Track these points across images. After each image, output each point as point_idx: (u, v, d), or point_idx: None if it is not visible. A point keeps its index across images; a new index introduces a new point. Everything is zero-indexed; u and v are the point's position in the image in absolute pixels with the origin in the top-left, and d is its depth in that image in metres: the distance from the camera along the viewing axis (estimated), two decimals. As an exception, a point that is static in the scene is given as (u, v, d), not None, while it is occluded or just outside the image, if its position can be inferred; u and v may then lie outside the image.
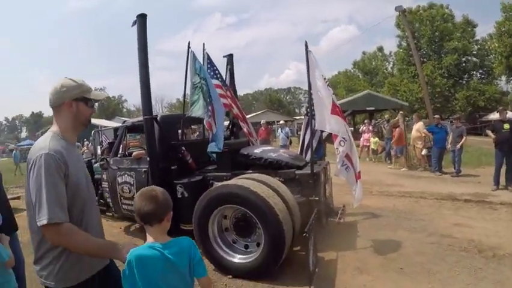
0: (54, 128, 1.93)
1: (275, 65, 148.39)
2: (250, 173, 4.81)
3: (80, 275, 1.87)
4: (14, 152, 24.52)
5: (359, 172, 5.08)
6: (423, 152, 11.66)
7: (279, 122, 18.08)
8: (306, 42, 4.93)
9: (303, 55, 4.91)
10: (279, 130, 14.81)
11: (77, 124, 1.97)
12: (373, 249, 4.77)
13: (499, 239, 4.91)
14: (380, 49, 50.80)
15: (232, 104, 6.25)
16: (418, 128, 11.69)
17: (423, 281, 3.81)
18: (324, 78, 5.03)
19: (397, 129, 12.69)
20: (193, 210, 4.34)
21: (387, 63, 49.74)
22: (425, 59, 35.73)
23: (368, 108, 24.76)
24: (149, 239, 1.74)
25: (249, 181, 4.14)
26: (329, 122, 4.93)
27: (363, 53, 51.96)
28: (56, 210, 1.68)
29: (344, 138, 4.97)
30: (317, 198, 4.56)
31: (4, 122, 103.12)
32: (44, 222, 1.64)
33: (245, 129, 6.47)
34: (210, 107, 5.13)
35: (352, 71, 54.39)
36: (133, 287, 1.66)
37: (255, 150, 5.23)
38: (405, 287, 3.71)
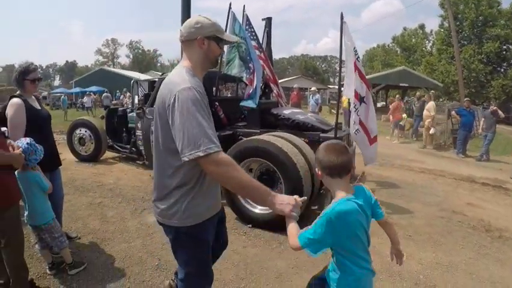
0: (185, 63, 1.93)
1: (313, 32, 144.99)
2: (278, 131, 5.09)
3: (204, 214, 1.92)
4: (62, 97, 25.21)
5: (375, 136, 5.31)
6: (431, 131, 12.05)
7: (311, 88, 18.08)
8: (341, 13, 5.05)
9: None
10: (310, 96, 14.95)
11: (206, 62, 1.96)
12: (386, 216, 5.03)
13: (507, 222, 5.07)
14: (422, 27, 48.73)
15: (265, 66, 6.45)
16: (429, 107, 12.23)
17: (429, 249, 4.05)
18: (355, 51, 5.18)
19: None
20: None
21: (427, 42, 47.97)
22: (465, 42, 34.27)
23: (401, 84, 24.34)
24: (340, 193, 1.72)
25: (276, 138, 4.41)
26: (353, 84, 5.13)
27: (404, 28, 49.97)
28: (213, 140, 1.67)
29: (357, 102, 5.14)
30: None
31: (38, 70, 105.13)
32: (200, 154, 1.62)
33: (275, 91, 6.68)
34: (251, 65, 5.37)
35: (391, 45, 52.70)
36: (334, 239, 1.68)
37: (284, 111, 5.49)
38: (410, 252, 3.91)
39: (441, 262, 3.75)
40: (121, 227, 4.40)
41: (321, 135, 5.03)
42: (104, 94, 26.26)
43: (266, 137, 4.51)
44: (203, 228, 1.94)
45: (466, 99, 12.56)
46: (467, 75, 30.54)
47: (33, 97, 3.46)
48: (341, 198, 1.70)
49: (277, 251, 3.87)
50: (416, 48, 46.46)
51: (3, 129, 2.84)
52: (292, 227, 1.75)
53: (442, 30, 37.13)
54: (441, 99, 29.99)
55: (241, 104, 5.42)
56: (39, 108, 3.47)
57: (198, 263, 2.01)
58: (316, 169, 1.83)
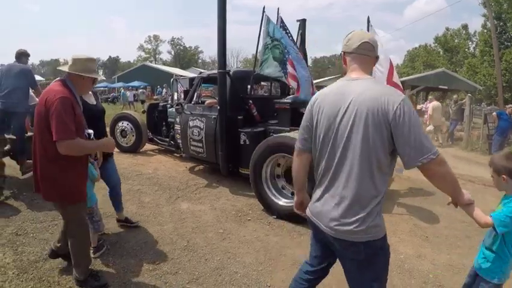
0: (365, 76, 1.92)
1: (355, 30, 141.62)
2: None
3: None
4: (122, 92, 26.36)
5: None
6: (428, 128, 12.63)
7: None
8: (368, 17, 5.27)
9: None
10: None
11: None
12: (407, 216, 5.17)
13: (531, 231, 5.08)
14: (465, 27, 47.03)
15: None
16: (431, 107, 13.07)
17: (444, 251, 4.14)
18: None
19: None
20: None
21: (470, 43, 46.35)
22: (509, 44, 32.81)
23: (440, 87, 23.75)
24: None
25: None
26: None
27: (447, 28, 48.48)
28: (432, 144, 1.77)
29: None
30: None
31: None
32: (433, 156, 1.68)
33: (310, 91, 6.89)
34: (288, 64, 5.60)
35: (433, 46, 51.22)
36: None
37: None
38: (425, 253, 4.02)
39: (454, 264, 3.82)
40: (156, 212, 4.83)
41: None
42: (140, 90, 27.21)
43: (293, 134, 4.77)
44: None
45: (509, 106, 12.20)
46: (509, 78, 29.34)
47: (89, 92, 3.62)
48: None
49: (297, 241, 4.15)
50: (459, 49, 44.97)
51: (90, 131, 3.08)
52: (478, 210, 2.04)
53: (485, 30, 35.64)
54: (483, 103, 28.98)
55: (294, 100, 5.61)
56: (94, 103, 3.69)
57: (386, 273, 1.99)
58: (503, 176, 2.25)
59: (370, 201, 1.79)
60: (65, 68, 2.89)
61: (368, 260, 1.85)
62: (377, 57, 1.98)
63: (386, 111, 1.71)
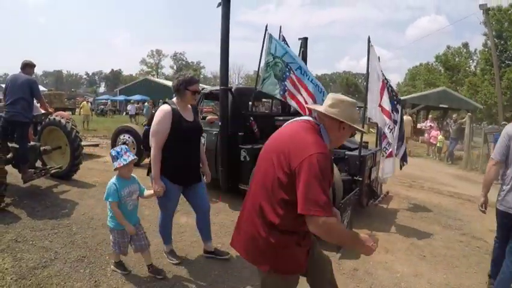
0: None
1: (357, 48, 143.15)
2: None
3: None
4: (145, 104, 26.42)
5: (391, 151, 5.75)
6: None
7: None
8: (369, 37, 5.38)
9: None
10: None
11: None
12: (404, 235, 5.18)
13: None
14: (465, 45, 47.50)
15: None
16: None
17: (440, 270, 4.16)
18: (382, 73, 5.52)
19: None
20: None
21: (471, 61, 46.68)
22: (510, 62, 33.01)
23: (441, 105, 23.92)
24: None
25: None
26: (375, 114, 5.49)
27: (448, 47, 48.77)
28: None
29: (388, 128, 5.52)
30: (360, 179, 5.13)
31: (84, 76, 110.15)
32: None
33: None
34: (285, 82, 5.65)
35: (434, 64, 51.49)
36: None
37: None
38: (421, 272, 4.06)
39: (450, 284, 3.85)
40: (155, 225, 4.81)
41: (346, 152, 5.34)
42: (144, 104, 27.50)
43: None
44: None
45: (503, 123, 12.30)
46: (510, 97, 29.47)
47: (189, 107, 3.57)
48: None
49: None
50: (460, 68, 45.25)
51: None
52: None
53: (486, 49, 35.85)
54: (483, 122, 29.08)
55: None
56: (191, 120, 3.52)
57: None
58: None
59: None
60: (320, 109, 2.10)
61: None
62: None
63: None
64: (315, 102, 5.55)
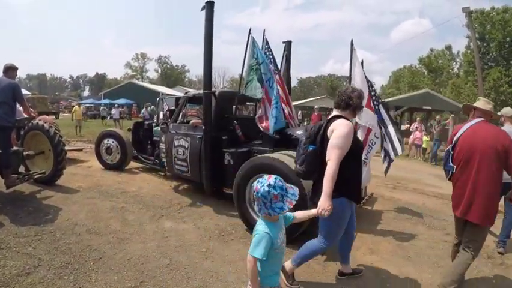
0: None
1: (341, 52, 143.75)
2: (291, 150, 5.40)
3: None
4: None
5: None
6: None
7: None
8: (351, 40, 5.44)
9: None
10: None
11: None
12: (389, 236, 5.20)
13: (514, 251, 5.04)
14: (448, 48, 48.36)
15: (280, 88, 6.74)
16: None
17: (426, 270, 4.18)
18: (366, 77, 5.56)
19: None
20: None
21: (454, 63, 47.51)
22: (492, 64, 33.77)
23: (425, 107, 24.21)
24: None
25: (283, 156, 4.71)
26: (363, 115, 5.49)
27: (431, 49, 49.59)
28: None
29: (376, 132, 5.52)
30: None
31: (68, 80, 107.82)
32: None
33: (286, 112, 6.93)
34: (264, 87, 5.68)
35: (418, 67, 52.24)
36: None
37: (297, 131, 5.82)
38: (407, 272, 4.07)
39: (436, 284, 3.79)
40: (139, 230, 4.80)
41: None
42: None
43: (275, 154, 4.83)
44: None
45: None
46: (494, 97, 29.96)
47: None
48: None
49: (280, 262, 4.15)
50: (443, 70, 45.99)
51: None
52: None
53: (469, 51, 36.48)
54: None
55: (272, 131, 5.54)
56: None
57: None
58: None
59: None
60: (481, 105, 3.65)
61: None
62: None
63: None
64: (266, 118, 5.65)
